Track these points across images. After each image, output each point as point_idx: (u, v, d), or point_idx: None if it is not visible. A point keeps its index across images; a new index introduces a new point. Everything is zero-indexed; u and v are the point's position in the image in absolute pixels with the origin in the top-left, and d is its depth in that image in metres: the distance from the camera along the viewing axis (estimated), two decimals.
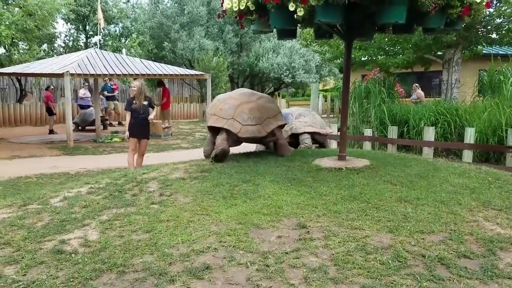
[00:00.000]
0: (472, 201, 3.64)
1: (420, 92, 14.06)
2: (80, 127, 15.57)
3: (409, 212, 3.36)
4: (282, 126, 5.51)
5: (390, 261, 2.64)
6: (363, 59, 13.93)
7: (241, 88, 6.64)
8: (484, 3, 3.98)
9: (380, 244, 2.86)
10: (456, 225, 3.15)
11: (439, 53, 12.83)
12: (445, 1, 3.73)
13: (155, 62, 15.01)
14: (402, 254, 2.72)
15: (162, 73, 13.39)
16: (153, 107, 7.57)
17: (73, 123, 15.36)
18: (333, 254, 2.74)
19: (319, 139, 7.27)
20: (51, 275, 2.59)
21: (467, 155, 7.40)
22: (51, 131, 14.66)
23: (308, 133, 7.07)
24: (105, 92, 16.93)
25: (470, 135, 7.40)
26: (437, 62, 13.04)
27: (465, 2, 3.84)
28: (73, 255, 2.84)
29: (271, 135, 5.28)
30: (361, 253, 2.74)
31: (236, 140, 5.23)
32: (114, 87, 17.42)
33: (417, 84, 14.44)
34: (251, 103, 5.23)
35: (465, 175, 4.47)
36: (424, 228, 3.08)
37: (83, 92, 16.16)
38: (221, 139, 5.13)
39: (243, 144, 5.56)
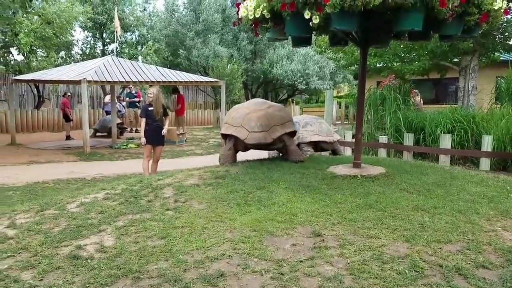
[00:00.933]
0: (490, 210, 3.58)
1: (419, 99, 13.89)
2: (99, 133, 15.73)
3: (426, 221, 3.31)
4: (292, 133, 5.55)
5: (406, 271, 2.60)
6: (378, 65, 13.85)
7: (256, 99, 6.76)
8: (502, 10, 3.93)
9: (396, 254, 2.82)
10: (474, 234, 3.10)
11: (456, 60, 12.68)
12: (463, 8, 3.69)
13: (170, 69, 15.17)
14: (419, 264, 2.68)
15: (177, 80, 13.51)
16: (167, 114, 7.64)
17: (93, 129, 15.58)
18: (348, 263, 2.71)
19: (325, 147, 7.25)
20: (67, 281, 2.62)
21: (485, 163, 7.28)
22: (68, 137, 14.87)
23: (314, 142, 7.06)
24: (127, 98, 17.15)
25: (487, 142, 7.29)
26: (454, 69, 12.89)
27: (482, 9, 3.80)
28: (89, 260, 2.87)
29: (279, 141, 5.37)
30: (377, 263, 2.71)
31: (244, 146, 5.43)
32: (136, 94, 17.61)
33: (416, 90, 14.26)
34: (260, 112, 5.39)
35: (482, 183, 4.40)
36: (442, 238, 3.04)
37: (109, 98, 16.28)
38: (227, 148, 5.50)
39: (257, 151, 5.57)
